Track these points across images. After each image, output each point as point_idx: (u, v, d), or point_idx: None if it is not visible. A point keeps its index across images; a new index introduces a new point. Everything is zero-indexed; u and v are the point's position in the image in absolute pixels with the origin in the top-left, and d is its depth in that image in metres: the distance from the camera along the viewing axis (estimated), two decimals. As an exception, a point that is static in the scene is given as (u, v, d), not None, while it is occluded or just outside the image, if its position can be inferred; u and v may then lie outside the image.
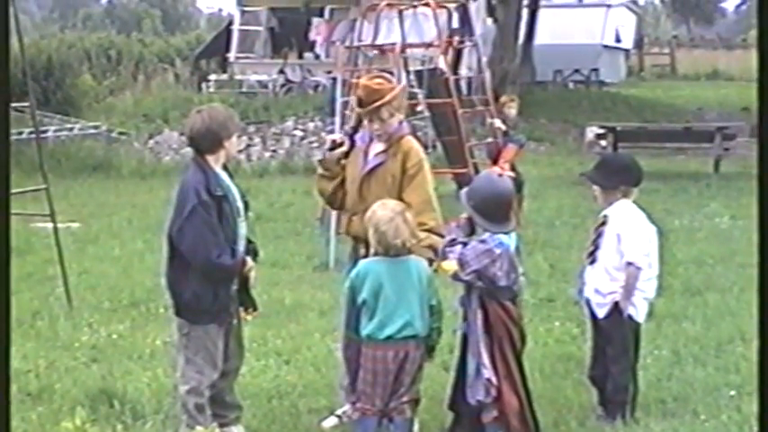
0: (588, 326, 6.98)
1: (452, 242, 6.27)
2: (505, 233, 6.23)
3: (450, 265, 6.18)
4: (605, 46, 38.49)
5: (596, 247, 6.73)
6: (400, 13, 15.35)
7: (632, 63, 46.76)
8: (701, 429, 6.56)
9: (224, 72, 29.83)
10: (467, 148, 14.75)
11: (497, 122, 15.42)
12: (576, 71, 36.53)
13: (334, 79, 18.24)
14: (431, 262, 6.24)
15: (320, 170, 6.74)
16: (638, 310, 6.70)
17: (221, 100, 22.66)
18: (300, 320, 9.61)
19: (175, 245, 6.15)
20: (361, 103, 6.46)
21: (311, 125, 24.55)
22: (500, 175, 6.63)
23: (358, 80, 12.55)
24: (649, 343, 8.19)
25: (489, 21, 30.71)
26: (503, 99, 15.04)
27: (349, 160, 6.64)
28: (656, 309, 8.62)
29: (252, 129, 23.82)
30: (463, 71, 23.23)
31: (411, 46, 16.09)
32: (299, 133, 24.43)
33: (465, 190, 6.44)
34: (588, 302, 6.81)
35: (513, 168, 13.59)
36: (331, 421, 6.76)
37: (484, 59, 19.00)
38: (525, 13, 32.48)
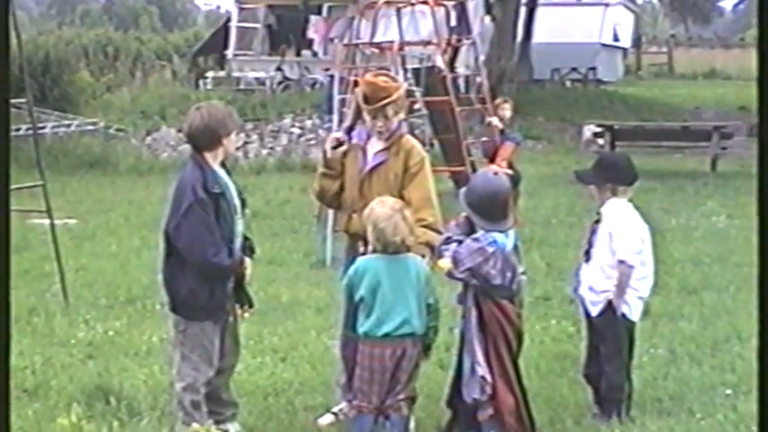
0: (584, 324, 6.99)
1: (448, 240, 6.28)
2: (501, 231, 6.24)
3: (446, 263, 6.20)
4: (603, 45, 38.48)
5: (591, 245, 6.74)
6: (398, 10, 15.35)
7: (630, 62, 46.76)
8: (697, 428, 6.56)
9: (222, 69, 29.83)
10: (464, 146, 14.75)
11: (495, 120, 15.43)
12: (574, 70, 36.52)
13: (332, 77, 18.25)
14: (423, 257, 6.24)
15: (323, 169, 6.70)
16: (631, 308, 6.69)
17: (219, 97, 22.68)
18: (297, 318, 9.61)
19: (172, 242, 6.15)
20: (367, 100, 6.44)
21: (308, 122, 24.56)
22: (496, 174, 6.64)
23: (357, 77, 12.60)
24: (645, 341, 8.20)
25: (487, 19, 30.69)
26: (497, 101, 15.06)
27: (347, 158, 6.63)
28: (653, 307, 8.64)
29: (249, 126, 23.83)
30: (461, 69, 23.26)
31: (409, 44, 16.09)
32: (296, 131, 24.43)
33: (463, 189, 6.45)
34: (583, 300, 6.82)
35: (510, 166, 13.61)
36: (327, 418, 6.75)
37: (481, 58, 19.02)
38: (523, 11, 32.46)
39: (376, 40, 15.38)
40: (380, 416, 6.11)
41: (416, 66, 16.94)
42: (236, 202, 6.31)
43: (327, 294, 9.79)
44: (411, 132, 7.50)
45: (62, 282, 10.29)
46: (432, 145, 16.25)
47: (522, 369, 6.47)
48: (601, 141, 21.09)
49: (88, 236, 14.15)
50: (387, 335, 6.03)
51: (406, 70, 15.39)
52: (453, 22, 20.81)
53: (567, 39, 35.72)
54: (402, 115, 6.61)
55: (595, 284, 6.69)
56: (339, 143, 6.66)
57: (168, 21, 77.52)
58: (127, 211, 16.35)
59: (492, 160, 14.22)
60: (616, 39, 40.22)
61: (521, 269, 6.41)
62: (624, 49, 43.54)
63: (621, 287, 6.60)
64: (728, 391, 7.21)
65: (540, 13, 34.86)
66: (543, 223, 14.47)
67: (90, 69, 32.19)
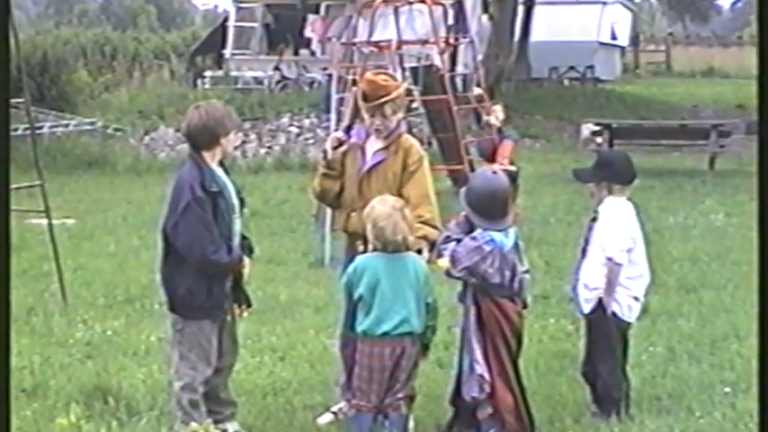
0: (582, 322, 6.99)
1: (447, 239, 6.28)
2: (500, 230, 6.24)
3: (445, 262, 6.21)
4: (601, 43, 38.48)
5: (587, 243, 6.74)
6: (396, 9, 15.33)
7: (628, 60, 46.77)
8: (696, 426, 6.57)
9: (219, 68, 29.82)
10: (462, 144, 14.75)
11: (492, 119, 15.45)
12: (572, 68, 36.54)
13: (330, 76, 18.26)
14: (419, 251, 6.24)
15: (324, 170, 6.69)
16: (622, 307, 6.66)
17: (217, 96, 22.69)
18: (295, 317, 9.61)
19: (170, 241, 6.15)
20: (366, 98, 6.45)
21: (306, 122, 24.55)
22: (495, 173, 6.64)
23: (355, 76, 12.61)
24: (644, 340, 8.21)
25: (485, 17, 30.70)
26: (487, 105, 15.17)
27: (346, 157, 6.63)
28: (651, 306, 8.64)
29: (247, 125, 23.80)
30: (459, 68, 23.25)
31: (407, 43, 16.07)
32: (294, 130, 24.42)
33: (463, 188, 6.46)
34: (578, 298, 6.82)
35: (511, 164, 13.67)
36: (326, 418, 6.75)
37: (479, 56, 19.02)
38: (521, 9, 32.48)
39: (374, 38, 15.35)
40: (379, 415, 6.11)
41: (414, 64, 16.94)
42: (235, 201, 6.31)
43: (326, 293, 9.79)
44: (409, 131, 7.49)
45: (60, 281, 10.28)
46: (430, 144, 16.26)
47: (521, 368, 6.48)
48: (599, 140, 21.08)
49: (86, 236, 14.14)
50: (386, 334, 6.03)
51: (403, 69, 15.40)
52: (451, 21, 20.81)
53: (565, 37, 35.73)
54: (401, 115, 6.61)
55: (589, 282, 6.69)
56: (340, 143, 6.66)
57: (166, 20, 77.48)
58: (125, 210, 16.35)
59: (491, 160, 14.25)
60: (614, 37, 40.23)
61: (523, 268, 6.40)
62: (622, 48, 43.55)
63: (610, 285, 6.59)
64: (727, 389, 7.21)
65: (538, 11, 34.88)
66: (542, 222, 14.47)
67: (88, 69, 32.20)
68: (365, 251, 6.25)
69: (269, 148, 23.80)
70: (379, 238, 6.04)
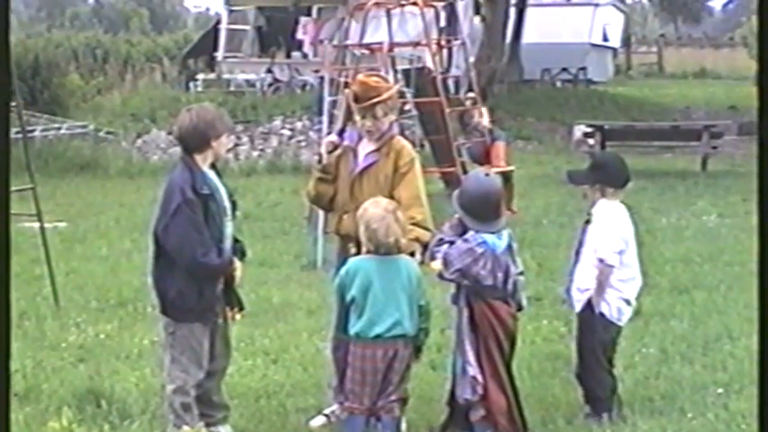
0: (575, 323, 6.99)
1: (440, 242, 6.28)
2: (493, 233, 6.24)
3: (438, 264, 6.21)
4: (593, 45, 38.54)
5: (581, 245, 6.75)
6: (388, 11, 15.34)
7: (620, 62, 46.85)
8: (689, 427, 6.57)
9: (212, 71, 29.80)
10: (454, 147, 14.75)
11: (485, 121, 15.50)
12: (564, 70, 36.58)
13: (322, 78, 18.22)
14: (412, 254, 6.24)
15: (319, 174, 6.69)
16: (611, 308, 6.66)
17: (209, 99, 22.63)
18: (288, 320, 9.60)
19: (161, 243, 6.14)
20: (357, 99, 6.46)
21: (299, 124, 24.55)
22: (488, 175, 6.64)
23: (348, 78, 12.60)
24: (637, 341, 8.21)
25: (477, 19, 30.72)
26: (472, 109, 15.30)
27: (340, 160, 6.63)
28: (644, 307, 8.65)
29: (240, 128, 23.80)
30: (451, 70, 23.27)
31: (398, 45, 16.08)
32: (286, 132, 24.43)
33: (456, 190, 6.47)
34: (572, 300, 6.82)
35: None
36: (319, 420, 6.75)
37: (471, 58, 19.02)
38: (513, 11, 32.53)
39: (366, 41, 15.37)
40: (372, 417, 6.10)
41: (406, 67, 16.94)
42: (226, 203, 6.30)
43: (318, 296, 9.78)
44: (402, 133, 7.49)
45: (53, 285, 10.26)
46: (422, 146, 16.26)
47: (514, 369, 6.47)
48: (591, 141, 21.11)
49: (78, 239, 14.12)
50: (378, 336, 6.03)
51: (395, 71, 15.39)
52: (443, 23, 20.83)
53: (557, 39, 35.79)
54: (393, 116, 6.61)
55: (581, 283, 6.69)
56: (334, 147, 6.66)
57: (158, 23, 77.41)
58: (117, 213, 16.32)
59: (483, 162, 14.28)
60: (606, 39, 40.29)
61: (517, 270, 6.40)
62: (614, 49, 43.62)
63: (601, 286, 6.59)
64: (720, 390, 7.21)
65: (530, 13, 34.92)
66: (534, 223, 14.48)
67: (80, 72, 32.14)
68: (357, 253, 6.25)
69: (261, 150, 23.79)
70: (372, 240, 6.03)
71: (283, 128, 24.56)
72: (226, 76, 28.63)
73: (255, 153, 23.63)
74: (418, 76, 16.05)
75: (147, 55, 37.07)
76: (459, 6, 23.29)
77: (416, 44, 16.77)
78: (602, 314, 6.63)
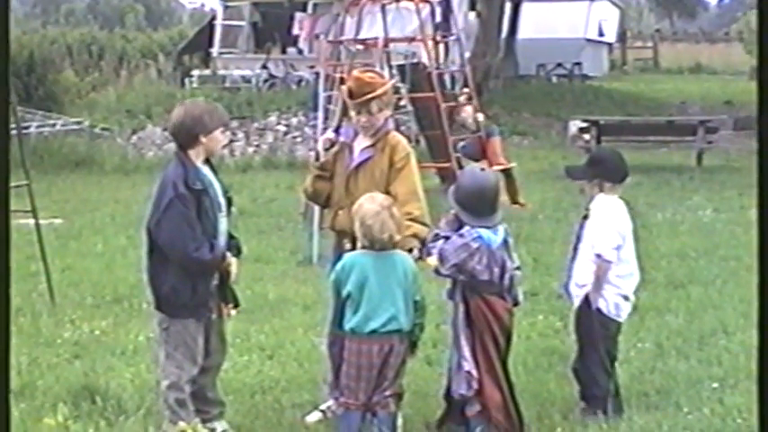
0: (571, 319, 6.98)
1: (436, 237, 6.28)
2: (488, 228, 6.23)
3: (433, 260, 6.21)
4: (588, 40, 38.57)
5: (578, 241, 6.74)
6: (383, 7, 15.32)
7: (615, 57, 46.90)
8: (684, 422, 6.57)
9: (207, 67, 29.80)
10: (450, 142, 14.75)
11: (480, 116, 15.49)
12: (559, 65, 36.61)
13: (317, 74, 18.23)
14: (410, 250, 6.23)
15: (317, 171, 6.68)
16: (608, 304, 6.65)
17: (204, 95, 22.67)
18: (284, 315, 9.60)
19: (154, 238, 6.13)
20: (351, 95, 6.45)
21: (294, 120, 24.54)
22: (483, 170, 6.65)
23: (344, 74, 12.59)
24: (632, 336, 8.21)
25: (472, 15, 30.73)
26: (459, 106, 15.36)
27: (336, 157, 6.63)
28: (639, 302, 8.61)
29: (235, 124, 23.78)
30: (446, 65, 23.25)
31: (394, 40, 16.07)
32: (282, 128, 24.41)
33: (451, 186, 6.46)
34: (570, 296, 6.82)
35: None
36: (315, 416, 6.75)
37: (466, 54, 19.01)
38: (508, 6, 32.52)
39: (361, 36, 15.36)
40: (368, 412, 6.10)
41: (402, 62, 16.94)
42: (221, 199, 6.28)
43: (314, 292, 9.78)
44: (397, 129, 7.49)
45: (48, 281, 10.25)
46: (418, 141, 16.27)
47: (510, 365, 6.47)
48: (587, 137, 21.11)
49: (74, 235, 14.11)
50: (374, 331, 6.02)
51: (391, 67, 15.39)
52: (438, 19, 20.83)
53: (553, 34, 35.82)
54: (388, 112, 6.61)
55: (579, 279, 6.69)
56: (331, 144, 6.66)
57: (153, 19, 77.32)
58: (113, 210, 16.31)
59: (479, 159, 14.27)
60: (601, 34, 40.33)
61: (513, 264, 6.39)
62: (609, 44, 43.67)
63: (598, 281, 6.59)
64: (715, 385, 7.22)
65: (525, 8, 34.96)
66: (530, 219, 14.47)
67: (75, 68, 32.10)
68: (353, 249, 6.24)
69: (257, 146, 23.78)
70: (367, 235, 6.03)
71: (279, 124, 24.55)
72: (221, 72, 28.62)
73: (251, 149, 23.62)
74: (413, 72, 16.05)
75: (143, 51, 37.01)
76: (455, 2, 23.31)
77: (412, 40, 16.77)
78: (599, 310, 6.63)
